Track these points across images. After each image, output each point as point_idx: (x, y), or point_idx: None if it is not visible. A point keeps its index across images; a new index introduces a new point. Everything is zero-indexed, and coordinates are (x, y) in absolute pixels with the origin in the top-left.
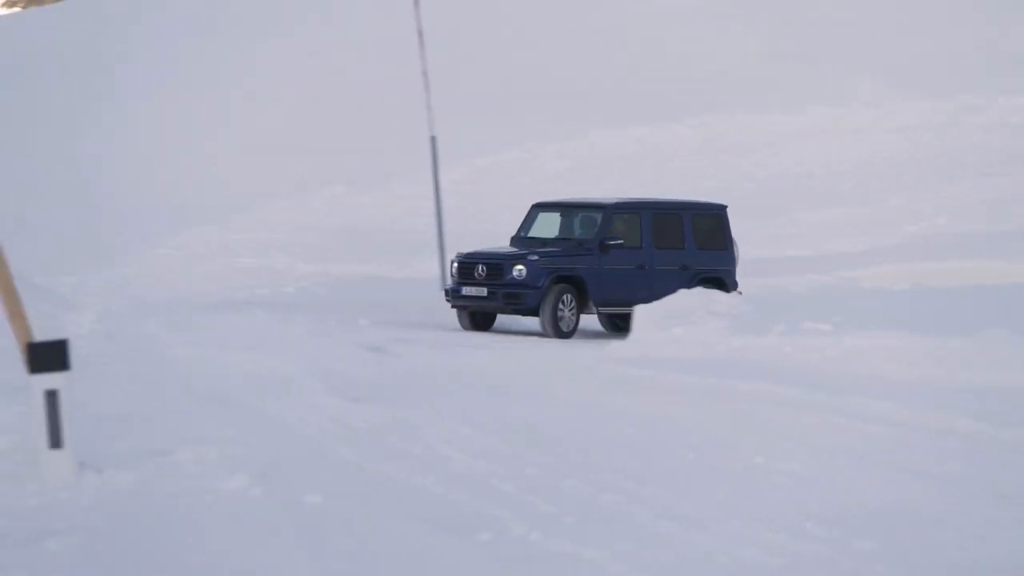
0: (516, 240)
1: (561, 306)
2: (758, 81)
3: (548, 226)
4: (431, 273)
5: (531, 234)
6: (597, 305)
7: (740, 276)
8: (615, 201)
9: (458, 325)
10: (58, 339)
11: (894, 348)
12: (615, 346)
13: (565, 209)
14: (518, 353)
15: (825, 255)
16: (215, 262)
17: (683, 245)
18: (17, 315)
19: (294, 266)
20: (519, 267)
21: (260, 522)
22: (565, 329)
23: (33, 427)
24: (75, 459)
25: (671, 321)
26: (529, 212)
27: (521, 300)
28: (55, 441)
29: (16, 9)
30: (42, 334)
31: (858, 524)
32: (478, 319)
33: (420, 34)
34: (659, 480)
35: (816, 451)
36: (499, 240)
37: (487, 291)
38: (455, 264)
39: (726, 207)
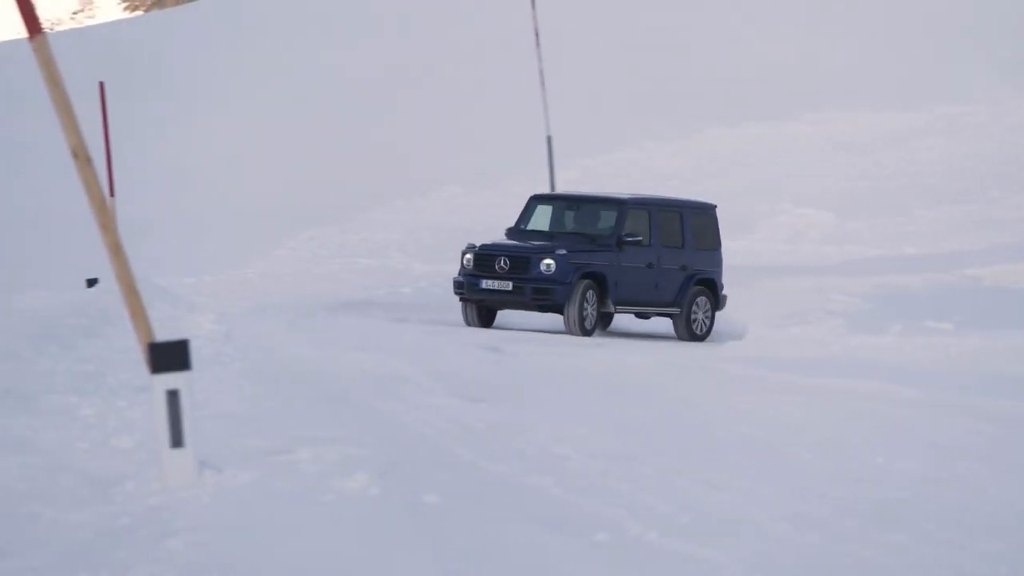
0: (514, 232)
1: (585, 303)
2: (878, 78)
3: (548, 219)
4: None
5: (530, 227)
6: (614, 304)
7: (859, 275)
8: (629, 196)
9: (467, 322)
10: (179, 339)
11: (1018, 347)
12: (731, 346)
13: (569, 202)
14: (634, 354)
15: (944, 253)
16: (333, 263)
17: (683, 244)
18: (139, 315)
19: (411, 266)
20: (548, 261)
21: (379, 521)
22: (588, 327)
23: (154, 427)
24: (196, 458)
25: (788, 320)
26: (528, 204)
27: (550, 296)
28: (176, 440)
29: (139, 13)
30: (163, 334)
31: (981, 525)
32: (484, 314)
33: (536, 34)
34: (776, 480)
35: (937, 451)
36: None
37: (512, 285)
38: (469, 256)
39: (716, 206)
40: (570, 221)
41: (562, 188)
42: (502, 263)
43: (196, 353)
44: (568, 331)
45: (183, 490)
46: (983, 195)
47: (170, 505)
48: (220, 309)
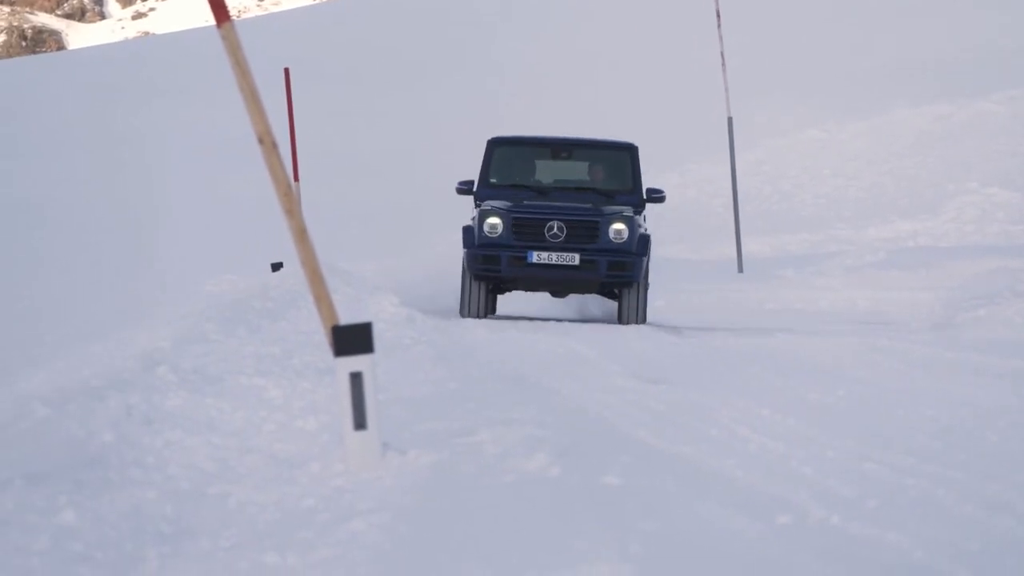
0: (485, 187)
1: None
2: None
3: (521, 169)
4: (727, 255)
5: (496, 179)
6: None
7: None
8: (622, 141)
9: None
10: (362, 322)
11: None
12: (915, 327)
13: (552, 148)
14: (814, 336)
15: None
16: None
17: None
18: (323, 299)
19: None
20: (619, 226)
21: (559, 502)
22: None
23: (338, 409)
24: (379, 440)
25: (974, 301)
26: (489, 149)
27: (627, 272)
28: (359, 422)
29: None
30: (346, 317)
31: None
32: (492, 299)
33: (718, 15)
34: (964, 464)
35: None
36: None
37: (580, 259)
38: (496, 220)
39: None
40: (557, 171)
41: (745, 169)
42: (555, 229)
43: (378, 336)
44: (625, 320)
45: (366, 472)
46: None
47: (353, 486)
48: (401, 292)
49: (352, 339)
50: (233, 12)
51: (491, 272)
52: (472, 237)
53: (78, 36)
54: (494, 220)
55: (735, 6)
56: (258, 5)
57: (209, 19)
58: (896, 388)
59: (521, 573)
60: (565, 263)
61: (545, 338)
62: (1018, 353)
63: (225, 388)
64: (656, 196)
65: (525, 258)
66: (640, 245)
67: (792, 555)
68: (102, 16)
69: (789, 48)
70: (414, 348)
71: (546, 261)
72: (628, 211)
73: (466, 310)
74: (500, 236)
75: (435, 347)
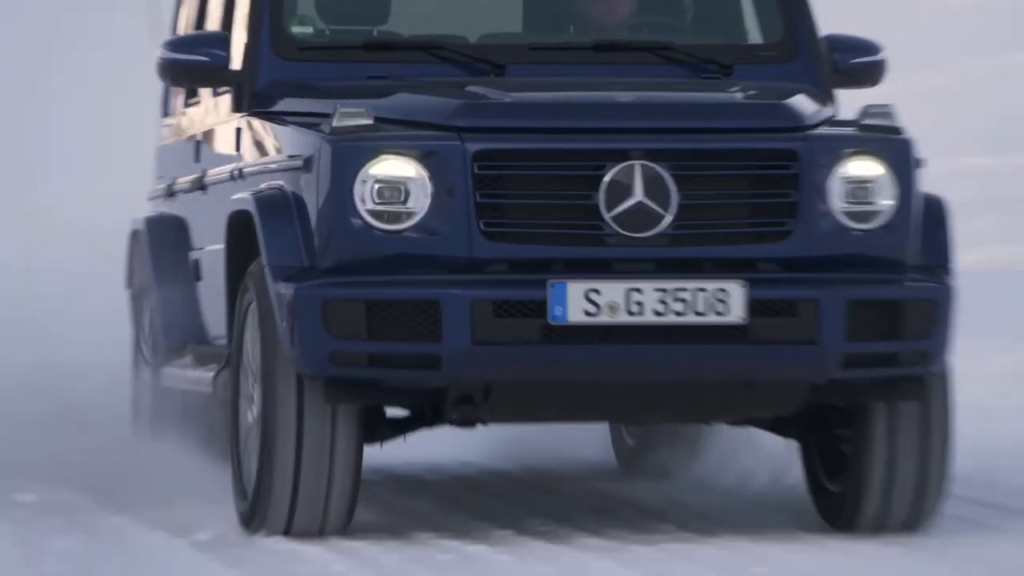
0: (274, 52)
1: None
2: None
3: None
4: None
5: (307, 29)
6: None
7: None
8: None
9: None
10: None
11: None
12: None
13: None
14: None
15: None
16: None
17: None
18: None
19: None
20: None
21: None
22: None
23: None
24: None
25: None
26: None
27: (917, 338)
28: None
29: None
30: None
31: None
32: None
33: None
34: None
35: None
36: None
37: (747, 301)
38: (409, 165)
39: None
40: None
41: None
42: (641, 190)
43: None
44: (872, 520)
45: None
46: None
47: None
48: None
49: None
50: None
51: (404, 379)
52: (291, 247)
53: None
54: (397, 164)
55: None
56: None
57: None
58: None
59: None
60: (693, 321)
61: None
62: None
63: None
64: (868, 59)
65: (545, 312)
66: (935, 232)
67: None
68: None
69: None
70: None
71: (628, 318)
72: (886, 108)
73: (284, 520)
74: (423, 224)
75: None
